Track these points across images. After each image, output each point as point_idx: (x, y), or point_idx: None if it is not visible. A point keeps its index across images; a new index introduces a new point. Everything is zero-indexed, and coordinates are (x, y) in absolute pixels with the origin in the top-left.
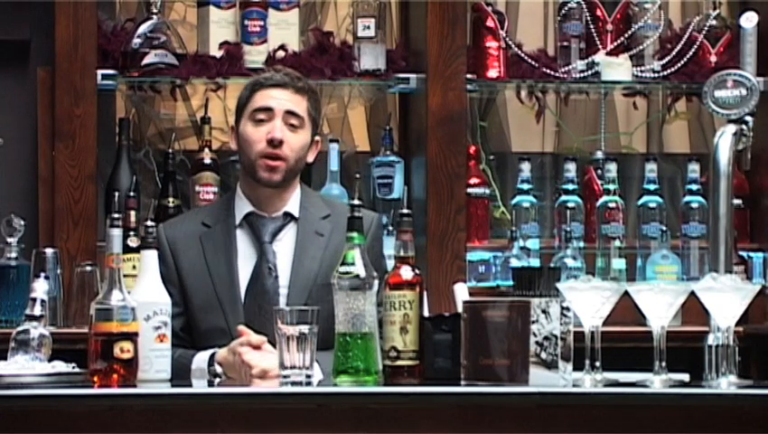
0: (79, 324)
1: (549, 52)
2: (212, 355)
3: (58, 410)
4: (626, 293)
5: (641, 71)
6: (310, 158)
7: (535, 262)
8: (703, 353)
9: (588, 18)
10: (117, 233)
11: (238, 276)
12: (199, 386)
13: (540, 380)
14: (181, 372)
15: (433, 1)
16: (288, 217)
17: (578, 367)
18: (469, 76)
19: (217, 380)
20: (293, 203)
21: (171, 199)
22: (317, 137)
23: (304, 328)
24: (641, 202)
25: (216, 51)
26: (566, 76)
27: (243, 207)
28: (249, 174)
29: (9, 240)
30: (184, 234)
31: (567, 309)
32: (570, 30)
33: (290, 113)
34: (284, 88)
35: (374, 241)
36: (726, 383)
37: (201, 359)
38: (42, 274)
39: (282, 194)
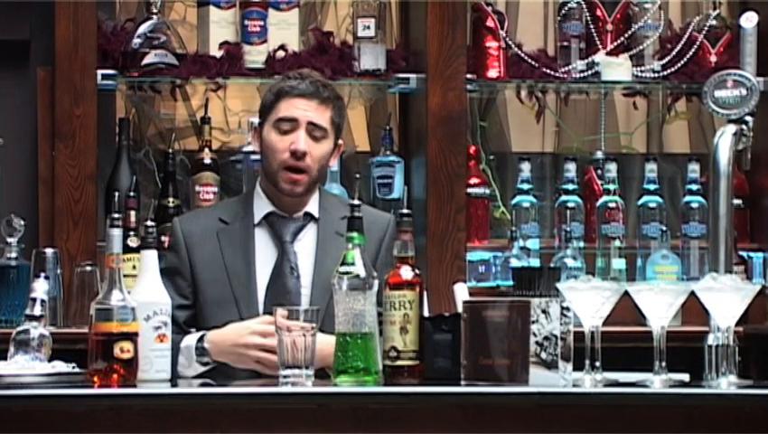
0: (79, 324)
1: (549, 52)
2: (203, 336)
3: (58, 410)
4: (626, 293)
5: (641, 71)
6: (332, 163)
7: (535, 262)
8: (703, 353)
9: (588, 18)
10: (117, 233)
11: (255, 274)
12: (196, 384)
13: (540, 380)
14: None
15: (433, 1)
16: (308, 217)
17: (578, 367)
18: (469, 76)
19: (204, 362)
20: (312, 204)
21: (171, 199)
22: (340, 141)
23: (305, 327)
24: (641, 202)
25: (216, 51)
26: (566, 76)
27: (263, 206)
28: (271, 180)
29: (9, 240)
30: (201, 229)
31: (567, 309)
32: (570, 30)
33: (314, 125)
34: (309, 98)
35: (391, 244)
36: (726, 383)
37: (190, 337)
38: (42, 274)
39: (302, 197)
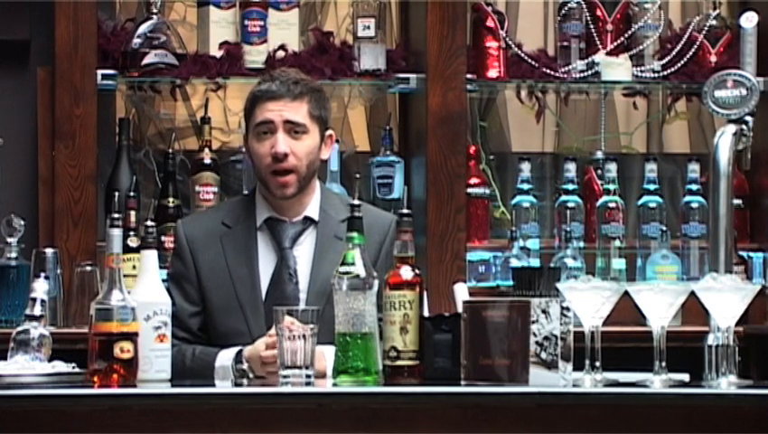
0: (79, 324)
1: (549, 52)
2: (239, 352)
3: (58, 410)
4: (626, 293)
5: (641, 71)
6: (324, 155)
7: (535, 262)
8: (703, 353)
9: (588, 18)
10: (117, 233)
11: (259, 279)
12: (206, 386)
13: (540, 380)
14: (202, 370)
15: (433, 1)
16: (308, 221)
17: (578, 367)
18: (469, 76)
19: (244, 380)
20: (313, 207)
21: (171, 199)
22: (329, 132)
23: (305, 328)
24: (641, 202)
25: (216, 51)
26: (566, 76)
27: (263, 210)
28: (264, 186)
29: (9, 240)
30: (204, 233)
31: (567, 309)
32: (570, 30)
33: (291, 122)
34: (280, 98)
35: (391, 247)
36: (726, 383)
37: (225, 357)
38: (42, 274)
39: (301, 199)
